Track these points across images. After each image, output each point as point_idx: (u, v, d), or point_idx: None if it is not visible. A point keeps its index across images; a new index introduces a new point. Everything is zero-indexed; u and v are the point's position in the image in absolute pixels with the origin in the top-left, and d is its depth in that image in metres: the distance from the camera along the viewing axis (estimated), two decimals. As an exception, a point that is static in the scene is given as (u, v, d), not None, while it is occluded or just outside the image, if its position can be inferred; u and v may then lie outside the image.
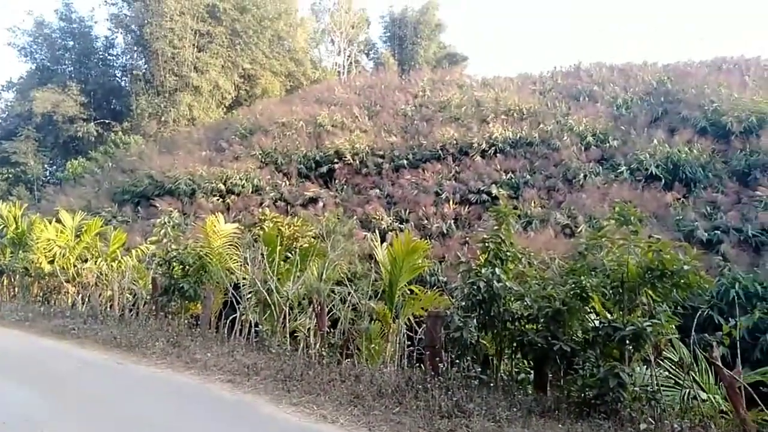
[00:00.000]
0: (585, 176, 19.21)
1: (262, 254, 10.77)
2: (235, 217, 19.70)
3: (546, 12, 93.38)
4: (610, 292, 6.28)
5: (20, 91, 41.78)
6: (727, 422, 5.85)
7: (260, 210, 19.86)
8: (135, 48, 40.82)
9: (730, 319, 8.48)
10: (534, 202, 18.36)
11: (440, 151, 23.18)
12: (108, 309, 13.91)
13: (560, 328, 6.38)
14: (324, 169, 24.54)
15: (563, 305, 6.33)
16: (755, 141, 18.21)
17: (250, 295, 10.79)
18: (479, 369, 6.58)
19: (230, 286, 11.31)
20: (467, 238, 16.80)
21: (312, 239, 12.92)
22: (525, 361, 7.22)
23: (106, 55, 44.95)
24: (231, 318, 11.05)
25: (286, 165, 25.17)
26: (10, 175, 38.61)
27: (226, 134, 30.31)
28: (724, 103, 20.77)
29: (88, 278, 15.31)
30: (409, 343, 9.48)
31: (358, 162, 24.12)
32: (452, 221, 18.70)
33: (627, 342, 5.93)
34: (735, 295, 11.67)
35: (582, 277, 6.39)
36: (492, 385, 6.53)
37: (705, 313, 11.09)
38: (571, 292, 6.44)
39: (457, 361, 6.72)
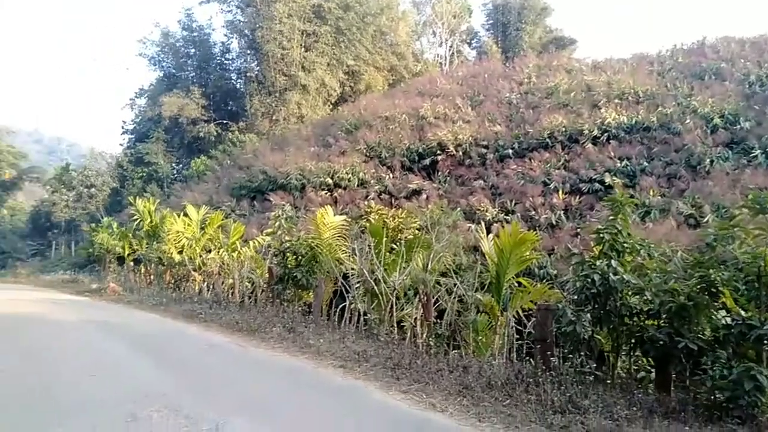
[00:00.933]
0: (711, 162, 17.59)
1: (369, 245, 11.06)
2: (342, 209, 20.34)
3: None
4: (744, 287, 5.74)
5: (150, 97, 46.03)
6: None
7: (365, 203, 20.38)
8: (248, 51, 43.35)
9: None
10: (652, 191, 17.12)
11: (548, 139, 22.33)
12: (229, 296, 15.02)
13: (685, 325, 5.94)
14: (427, 161, 24.60)
15: (689, 300, 5.88)
16: None
17: (358, 285, 11.15)
18: (594, 365, 6.31)
19: (339, 275, 11.74)
20: (578, 230, 16.08)
21: (416, 231, 13.05)
22: (645, 359, 6.81)
23: (223, 59, 48.21)
24: (340, 306, 11.50)
25: (390, 158, 25.53)
26: (144, 174, 42.79)
27: (333, 130, 31.31)
28: None
29: (212, 267, 16.61)
30: (518, 336, 9.30)
31: (461, 153, 23.89)
32: (562, 212, 17.97)
33: (765, 342, 5.40)
34: None
35: (711, 271, 5.90)
36: (608, 382, 6.23)
37: None
38: (698, 287, 5.98)
39: (570, 356, 6.49)
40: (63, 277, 27.93)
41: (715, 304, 6.07)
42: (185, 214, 19.41)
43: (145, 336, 10.36)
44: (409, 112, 29.14)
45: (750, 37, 28.35)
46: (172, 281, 18.88)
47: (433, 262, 10.28)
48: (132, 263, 23.27)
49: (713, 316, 6.01)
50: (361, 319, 10.73)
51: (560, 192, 18.91)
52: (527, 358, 8.32)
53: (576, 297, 6.96)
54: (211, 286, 16.44)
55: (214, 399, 5.97)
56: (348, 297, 11.23)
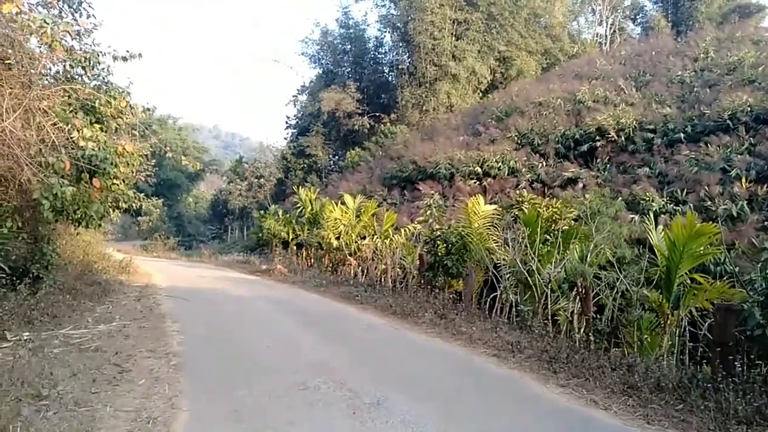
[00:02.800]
0: None
1: (521, 236, 10.80)
2: (491, 199, 20.03)
3: None
4: None
5: (311, 93, 49.29)
6: None
7: (516, 192, 19.86)
8: (400, 44, 44.29)
9: None
10: None
11: (728, 121, 19.75)
12: (382, 281, 15.69)
13: None
14: (584, 147, 23.17)
15: None
16: None
17: (509, 275, 10.96)
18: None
19: (490, 265, 11.64)
20: (766, 222, 14.11)
21: (573, 221, 12.44)
22: None
23: (376, 54, 49.90)
24: (491, 296, 11.41)
25: (543, 145, 24.52)
26: (305, 165, 46.12)
27: (482, 118, 30.91)
28: None
29: (366, 253, 17.46)
30: (690, 338, 8.47)
31: (623, 138, 22.13)
32: (744, 202, 15.82)
33: None
34: None
35: None
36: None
37: None
38: None
39: (758, 362, 5.77)
40: (237, 258, 31.26)
41: None
42: (342, 203, 20.60)
43: (310, 313, 11.27)
44: (565, 97, 27.69)
45: None
46: (330, 265, 20.20)
47: (592, 255, 9.74)
48: (295, 247, 25.29)
49: None
50: (513, 310, 10.55)
51: (743, 180, 16.67)
52: (702, 362, 7.56)
53: (764, 298, 6.15)
54: (365, 271, 17.29)
55: (374, 375, 6.32)
56: (499, 287, 11.09)
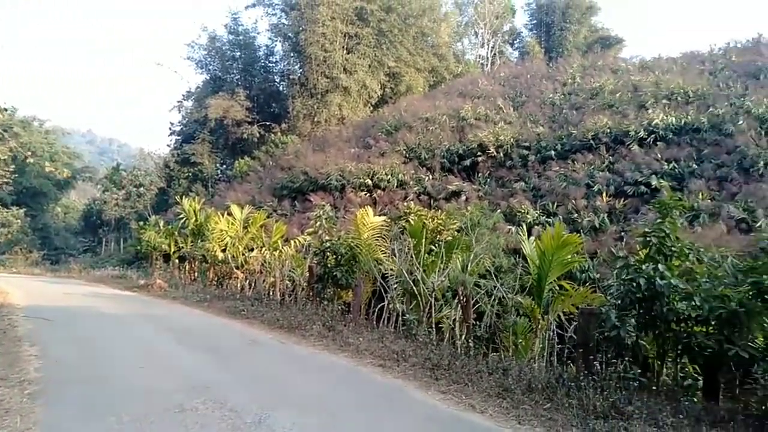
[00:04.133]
0: (765, 164, 16.85)
1: (408, 246, 11.09)
2: (381, 210, 20.42)
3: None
4: (801, 294, 5.51)
5: (197, 99, 47.26)
6: None
7: (405, 204, 20.39)
8: (291, 54, 43.95)
9: None
10: (702, 194, 16.53)
11: (592, 141, 21.86)
12: (271, 294, 15.31)
13: (736, 332, 5.74)
14: (467, 162, 24.45)
15: (740, 307, 5.68)
16: None
17: (396, 286, 11.19)
18: (638, 371, 6.17)
19: (378, 276, 11.81)
20: (623, 233, 15.70)
21: (456, 232, 13.01)
22: (692, 367, 6.61)
23: (267, 62, 49.06)
24: (379, 306, 11.56)
25: (429, 159, 25.50)
26: (190, 174, 44.03)
27: (373, 132, 31.50)
28: None
29: (254, 266, 16.96)
30: (558, 340, 9.16)
31: (502, 154, 23.66)
32: (605, 215, 17.55)
33: (823, 352, 5.18)
34: None
35: (764, 277, 5.68)
36: (653, 389, 6.08)
37: None
38: (751, 293, 5.77)
39: (614, 361, 6.36)
40: (112, 272, 28.98)
41: (769, 311, 5.84)
42: (229, 213, 19.87)
43: (191, 330, 10.69)
44: (450, 114, 29.05)
45: (810, 34, 27.02)
46: (216, 279, 19.36)
47: (473, 264, 10.22)
48: (177, 261, 23.98)
49: (766, 324, 5.79)
50: (400, 319, 10.76)
51: (604, 194, 18.49)
52: (568, 362, 8.18)
53: (620, 302, 6.80)
54: (253, 284, 16.79)
55: (257, 392, 6.12)
56: (387, 297, 11.28)
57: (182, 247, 23.45)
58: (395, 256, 11.35)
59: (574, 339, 8.01)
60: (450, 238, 12.46)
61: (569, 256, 9.12)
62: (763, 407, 5.28)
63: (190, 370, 7.11)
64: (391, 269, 11.54)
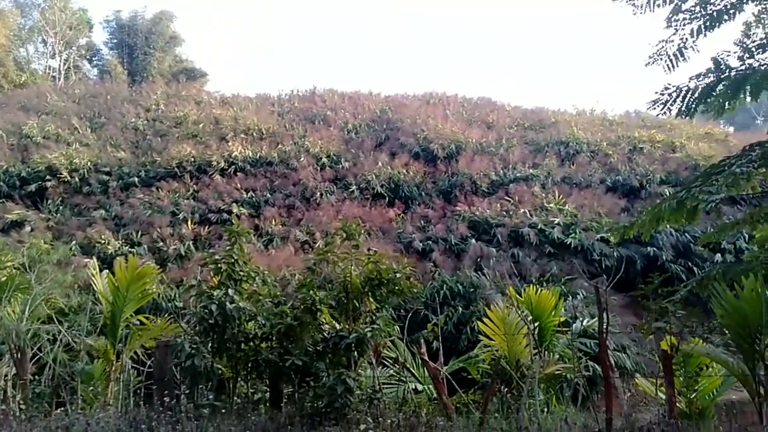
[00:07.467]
0: (321, 195, 20.28)
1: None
2: None
3: (282, 39, 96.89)
4: (336, 303, 6.70)
5: None
6: (434, 408, 6.74)
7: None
8: None
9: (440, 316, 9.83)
10: (275, 220, 18.64)
11: (176, 169, 21.87)
12: None
13: (293, 343, 6.55)
14: (33, 187, 20.87)
15: (295, 320, 6.52)
16: (455, 165, 21.79)
17: None
18: (212, 396, 6.33)
19: None
20: (206, 260, 16.15)
21: (13, 270, 10.85)
22: (261, 381, 7.21)
23: None
24: None
25: (-21, 183, 20.72)
26: None
27: None
28: (432, 132, 24.23)
29: None
30: (141, 378, 8.66)
31: (77, 179, 21.19)
32: (191, 242, 17.75)
33: (352, 348, 6.40)
34: (443, 294, 13.64)
35: (311, 291, 6.68)
36: (225, 410, 6.33)
37: (422, 313, 12.65)
38: (302, 307, 6.68)
39: (190, 390, 6.36)
40: None
41: (317, 321, 6.90)
42: None
43: None
44: (9, 129, 24.43)
45: (348, 92, 34.09)
46: None
47: (31, 308, 8.68)
48: None
49: (316, 332, 6.82)
50: None
51: (189, 222, 18.70)
52: (149, 400, 7.79)
53: (197, 328, 6.89)
54: None
55: None
56: None
57: None
58: None
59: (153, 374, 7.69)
60: (4, 278, 10.28)
61: (148, 288, 8.77)
62: (315, 405, 6.15)
63: None
64: None
